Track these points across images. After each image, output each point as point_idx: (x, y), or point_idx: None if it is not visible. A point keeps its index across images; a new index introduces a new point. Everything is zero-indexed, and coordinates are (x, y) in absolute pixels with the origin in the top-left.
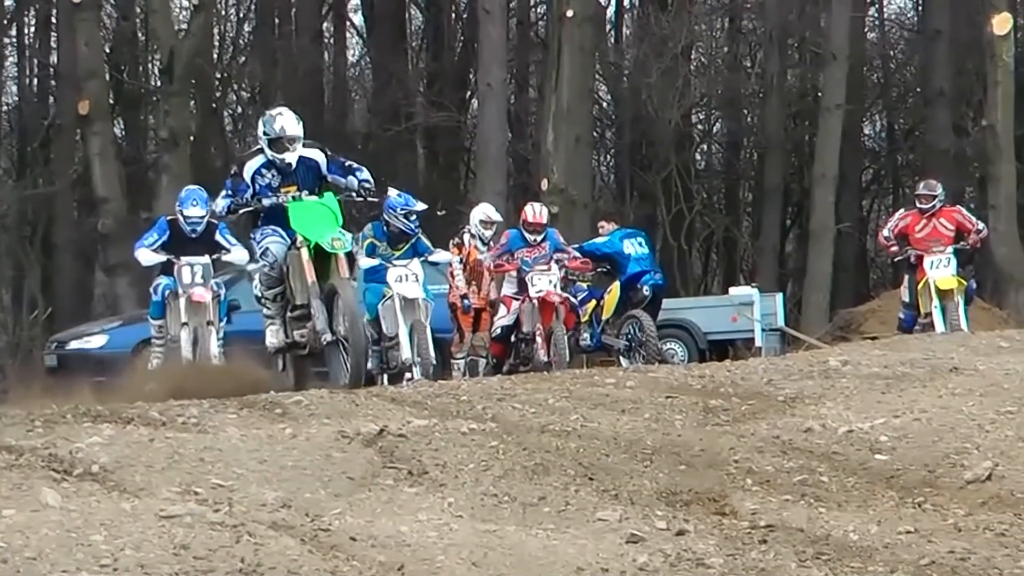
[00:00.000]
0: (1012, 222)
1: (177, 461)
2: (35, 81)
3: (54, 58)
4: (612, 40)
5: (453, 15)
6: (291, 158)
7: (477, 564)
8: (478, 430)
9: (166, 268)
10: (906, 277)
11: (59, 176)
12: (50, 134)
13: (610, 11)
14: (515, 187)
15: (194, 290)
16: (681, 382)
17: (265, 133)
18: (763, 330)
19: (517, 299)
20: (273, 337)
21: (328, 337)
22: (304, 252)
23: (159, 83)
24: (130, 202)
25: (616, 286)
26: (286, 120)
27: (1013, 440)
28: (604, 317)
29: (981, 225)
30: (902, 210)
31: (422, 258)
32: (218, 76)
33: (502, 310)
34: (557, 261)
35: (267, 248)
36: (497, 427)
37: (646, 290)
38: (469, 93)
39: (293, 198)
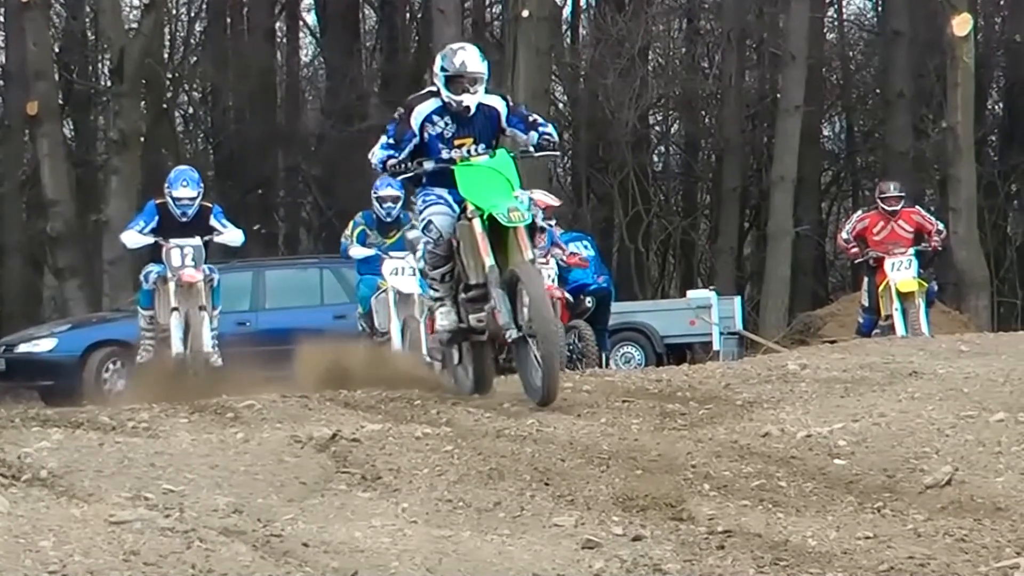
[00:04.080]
0: (972, 225)
1: (127, 466)
2: None
3: (2, 58)
4: (568, 41)
5: (407, 15)
6: (471, 101)
7: (431, 570)
8: (432, 434)
9: (156, 256)
10: (866, 280)
11: (7, 178)
12: None
13: (566, 11)
14: None
15: (184, 271)
16: (638, 386)
17: (443, 69)
18: (721, 334)
19: None
20: (444, 319)
21: (514, 333)
22: (477, 224)
23: (109, 83)
24: (80, 204)
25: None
26: (469, 55)
27: (973, 445)
28: None
29: (941, 225)
30: (859, 212)
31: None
32: (169, 76)
33: None
34: (554, 256)
35: (430, 221)
36: (452, 431)
37: (589, 302)
38: None
39: (461, 159)
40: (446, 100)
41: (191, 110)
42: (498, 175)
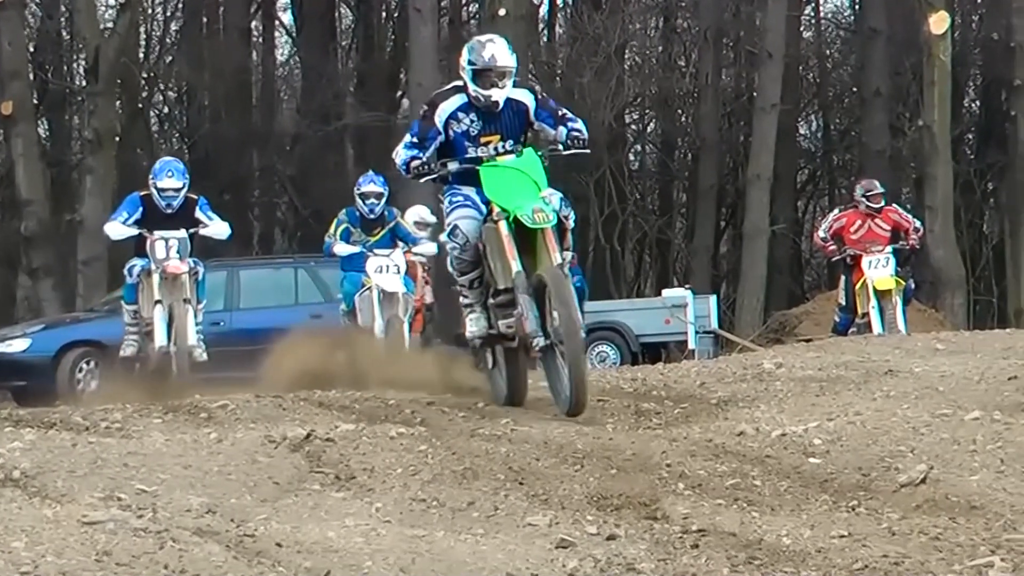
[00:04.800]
0: (948, 223)
1: (100, 466)
2: None
3: None
4: (545, 39)
5: (383, 14)
6: (499, 96)
7: (405, 570)
8: (406, 434)
9: (140, 250)
10: (843, 278)
11: None
12: None
13: (543, 10)
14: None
15: (169, 262)
16: (613, 385)
17: (470, 62)
18: (696, 332)
19: None
20: (474, 326)
21: (541, 341)
22: (503, 226)
23: (84, 83)
24: (54, 204)
25: None
26: (498, 48)
27: (948, 443)
28: None
29: (918, 223)
30: (836, 210)
31: (405, 249)
32: (144, 76)
33: None
34: None
35: (456, 226)
36: (426, 431)
37: None
38: (400, 93)
39: (487, 158)
40: (473, 95)
41: (166, 109)
42: (524, 175)
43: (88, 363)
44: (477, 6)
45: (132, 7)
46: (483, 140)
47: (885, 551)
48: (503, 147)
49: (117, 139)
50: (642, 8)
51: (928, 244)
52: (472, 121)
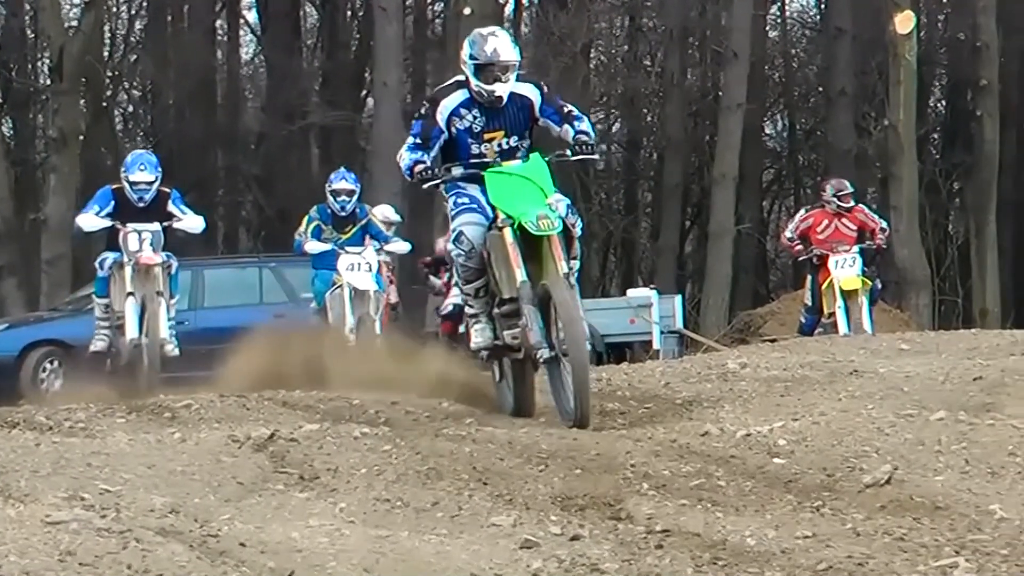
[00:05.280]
0: (914, 223)
1: (64, 466)
2: None
3: None
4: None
5: (349, 13)
6: (502, 91)
7: (368, 570)
8: (371, 434)
9: (112, 243)
10: (809, 278)
11: None
12: None
13: (508, 9)
14: (411, 187)
15: (142, 253)
16: None
17: (472, 57)
18: (661, 332)
19: None
20: (479, 336)
21: (545, 353)
22: (508, 233)
23: (48, 82)
24: (17, 203)
25: None
26: (500, 42)
27: (913, 444)
28: None
29: (884, 224)
30: (803, 210)
31: (378, 246)
32: (109, 75)
33: (455, 291)
34: None
35: (460, 232)
36: (390, 431)
37: None
38: (365, 92)
39: (492, 154)
40: (475, 90)
41: (131, 108)
42: (529, 182)
43: (52, 362)
44: (442, 5)
45: (97, 5)
46: (486, 137)
47: (849, 552)
48: (507, 143)
49: (81, 138)
50: (608, 7)
51: (893, 244)
52: (475, 117)
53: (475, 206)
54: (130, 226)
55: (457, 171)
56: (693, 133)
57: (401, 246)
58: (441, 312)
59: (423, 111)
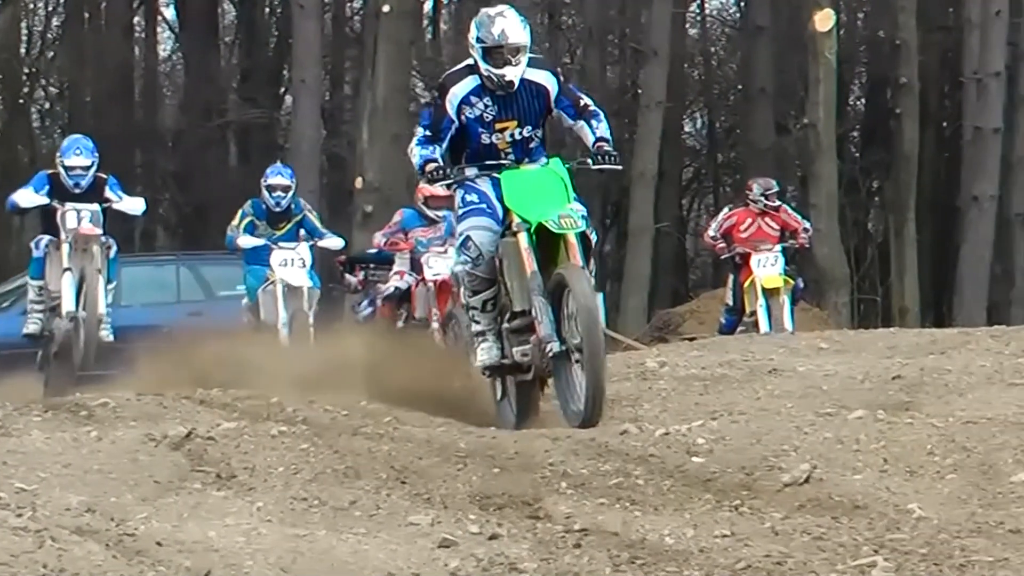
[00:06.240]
0: (833, 221)
1: None
2: None
3: None
4: (429, 36)
5: (267, 10)
6: (513, 75)
7: (286, 569)
8: (288, 433)
9: (48, 226)
10: (731, 277)
11: None
12: None
13: (427, 6)
14: (328, 185)
15: (82, 224)
16: None
17: (479, 39)
18: None
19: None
20: (485, 355)
21: (556, 346)
22: (523, 238)
23: None
24: None
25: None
26: (509, 23)
27: (831, 443)
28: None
29: (808, 224)
30: (727, 208)
31: (311, 241)
32: (26, 71)
33: (395, 278)
34: (453, 245)
35: (467, 237)
36: (308, 430)
37: None
38: (283, 89)
39: (505, 165)
40: (485, 75)
41: (48, 105)
42: (551, 176)
43: None
44: (361, 2)
45: (14, 2)
46: (498, 126)
47: (768, 551)
48: (520, 134)
49: None
50: (527, 5)
51: (813, 242)
52: (487, 105)
53: (484, 206)
54: (68, 205)
55: (471, 171)
56: (612, 131)
57: (335, 242)
58: (382, 295)
59: (432, 99)
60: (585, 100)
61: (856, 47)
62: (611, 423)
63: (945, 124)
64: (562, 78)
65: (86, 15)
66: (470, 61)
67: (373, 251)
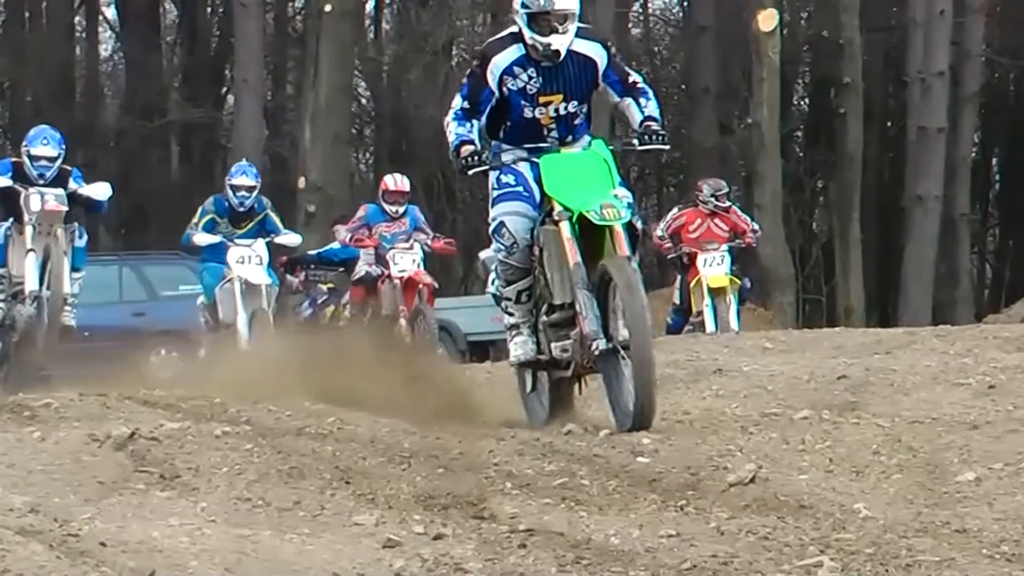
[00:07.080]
0: (777, 221)
1: None
2: None
3: None
4: (372, 36)
5: (209, 9)
6: (560, 44)
7: (230, 569)
8: (232, 433)
9: (10, 212)
10: (678, 278)
11: None
12: None
13: (369, 6)
14: (271, 185)
15: (47, 201)
16: None
17: (523, 5)
18: None
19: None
20: (519, 349)
21: (602, 344)
22: (565, 227)
23: None
24: None
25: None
26: None
27: (777, 442)
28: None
29: (756, 225)
30: (676, 208)
31: (268, 238)
32: None
33: (365, 257)
34: (418, 240)
35: (501, 223)
36: (252, 430)
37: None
38: (225, 89)
39: (545, 148)
40: (530, 43)
41: None
42: (592, 167)
43: None
44: (303, 2)
45: None
46: (542, 100)
47: (714, 551)
48: (565, 109)
49: None
50: (469, 5)
51: (757, 242)
52: (531, 77)
53: (521, 188)
54: (33, 188)
55: (509, 157)
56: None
57: (292, 238)
58: (352, 278)
59: (473, 67)
60: (634, 76)
61: (800, 47)
62: (556, 423)
63: (889, 124)
64: (612, 50)
65: (26, 14)
66: (514, 29)
67: (314, 252)
